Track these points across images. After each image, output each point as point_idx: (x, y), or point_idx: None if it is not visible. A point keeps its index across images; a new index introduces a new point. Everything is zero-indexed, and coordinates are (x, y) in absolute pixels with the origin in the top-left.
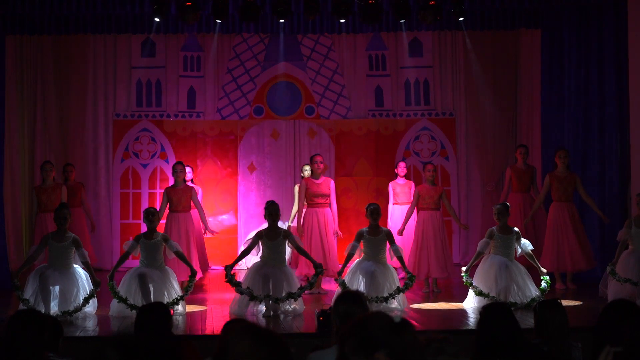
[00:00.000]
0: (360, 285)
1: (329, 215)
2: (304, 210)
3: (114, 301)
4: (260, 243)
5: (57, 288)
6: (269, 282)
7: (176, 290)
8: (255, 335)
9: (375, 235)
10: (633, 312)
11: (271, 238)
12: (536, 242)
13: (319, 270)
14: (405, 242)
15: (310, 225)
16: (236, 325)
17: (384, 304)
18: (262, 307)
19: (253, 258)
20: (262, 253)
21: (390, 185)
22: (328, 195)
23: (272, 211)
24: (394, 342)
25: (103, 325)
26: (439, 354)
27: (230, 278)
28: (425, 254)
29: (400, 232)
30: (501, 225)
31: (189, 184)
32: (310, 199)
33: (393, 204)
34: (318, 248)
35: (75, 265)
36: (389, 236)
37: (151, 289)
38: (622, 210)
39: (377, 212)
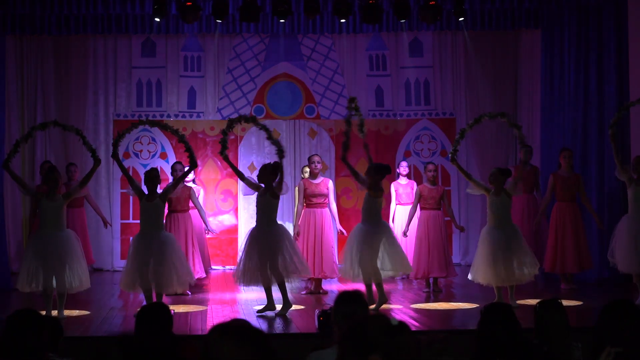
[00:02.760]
0: (355, 254)
1: (327, 215)
2: (302, 211)
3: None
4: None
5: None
6: (266, 248)
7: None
8: (238, 335)
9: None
10: (632, 312)
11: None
12: (538, 242)
13: None
14: (408, 242)
15: (307, 225)
16: (221, 325)
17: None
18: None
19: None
20: (256, 215)
21: (393, 186)
22: (326, 196)
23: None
24: (390, 344)
25: (103, 326)
26: (439, 355)
27: None
28: (426, 254)
29: (405, 234)
30: (496, 189)
31: (191, 184)
32: (308, 199)
33: (397, 204)
34: (315, 248)
35: (68, 230)
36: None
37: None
38: (622, 211)
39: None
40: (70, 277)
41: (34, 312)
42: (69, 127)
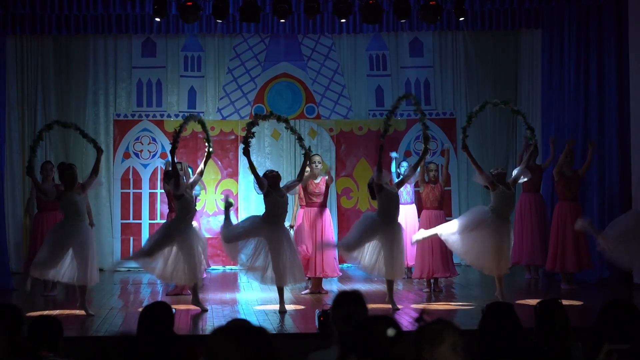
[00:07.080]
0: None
1: (327, 214)
2: (302, 210)
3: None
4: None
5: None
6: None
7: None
8: (239, 335)
9: None
10: (631, 312)
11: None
12: (545, 242)
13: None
14: (410, 243)
15: (307, 224)
16: (222, 326)
17: None
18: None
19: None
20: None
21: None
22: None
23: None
24: (387, 350)
25: (103, 326)
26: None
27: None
28: (429, 254)
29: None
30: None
31: None
32: (309, 197)
33: None
34: (315, 247)
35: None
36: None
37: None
38: (623, 211)
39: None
40: None
41: (11, 307)
42: (68, 124)
